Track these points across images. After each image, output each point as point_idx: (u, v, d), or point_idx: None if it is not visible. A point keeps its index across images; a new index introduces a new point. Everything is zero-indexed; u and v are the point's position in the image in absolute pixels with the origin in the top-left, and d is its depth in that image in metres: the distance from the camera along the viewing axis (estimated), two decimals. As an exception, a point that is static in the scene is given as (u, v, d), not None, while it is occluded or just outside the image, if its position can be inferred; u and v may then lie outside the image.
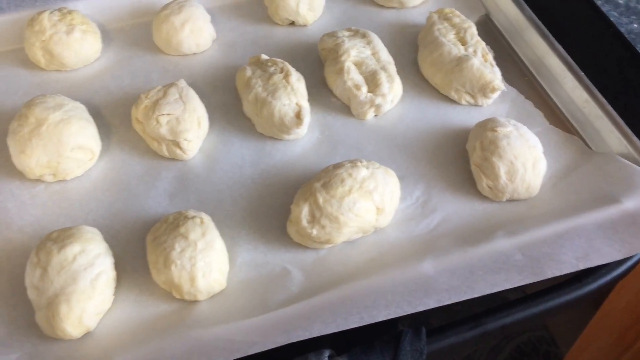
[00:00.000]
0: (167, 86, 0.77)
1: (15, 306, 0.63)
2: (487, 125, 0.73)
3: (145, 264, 0.66)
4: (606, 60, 0.85)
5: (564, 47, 0.83)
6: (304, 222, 0.66)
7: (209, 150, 0.77)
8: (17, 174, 0.73)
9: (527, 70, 0.86)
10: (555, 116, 0.81)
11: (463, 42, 0.83)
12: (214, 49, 0.88)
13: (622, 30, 0.89)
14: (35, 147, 0.70)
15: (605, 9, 0.94)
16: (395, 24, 0.92)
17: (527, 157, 0.70)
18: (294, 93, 0.77)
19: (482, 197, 0.72)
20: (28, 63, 0.85)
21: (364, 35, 0.83)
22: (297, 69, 0.81)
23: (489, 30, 0.91)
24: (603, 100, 0.77)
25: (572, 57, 0.82)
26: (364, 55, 0.81)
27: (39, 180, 0.73)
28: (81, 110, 0.75)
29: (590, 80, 0.79)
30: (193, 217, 0.66)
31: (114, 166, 0.75)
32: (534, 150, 0.71)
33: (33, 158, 0.70)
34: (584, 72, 0.80)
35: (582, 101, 0.78)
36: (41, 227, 0.69)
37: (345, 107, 0.81)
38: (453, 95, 0.81)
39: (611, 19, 0.90)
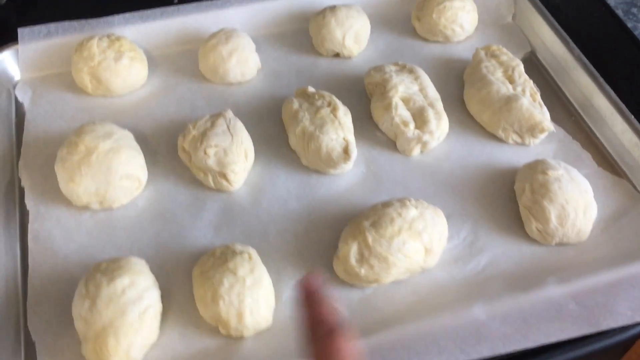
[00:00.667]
0: (215, 116, 0.77)
1: (62, 336, 0.63)
2: (538, 168, 0.72)
3: (190, 297, 0.65)
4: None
5: (611, 86, 0.83)
6: (353, 261, 0.65)
7: (255, 182, 0.76)
8: (64, 201, 0.73)
9: (574, 110, 0.85)
10: (604, 158, 0.80)
11: (511, 80, 0.82)
12: (259, 79, 0.89)
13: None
14: (84, 175, 0.70)
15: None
16: (439, 58, 0.92)
17: (578, 202, 0.69)
18: (341, 127, 0.76)
19: (530, 239, 0.71)
20: (74, 87, 0.86)
21: (411, 71, 0.83)
22: (343, 102, 0.81)
23: (535, 68, 0.91)
24: (654, 144, 0.76)
25: (620, 98, 0.81)
26: (411, 91, 0.81)
27: (85, 208, 0.73)
28: (129, 138, 0.75)
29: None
30: (241, 252, 0.65)
31: (159, 195, 0.75)
32: (586, 195, 0.70)
33: (81, 186, 0.70)
34: (633, 115, 0.79)
35: (632, 145, 0.77)
36: (87, 255, 0.69)
37: (391, 142, 0.81)
38: (500, 134, 0.80)
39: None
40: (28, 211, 0.73)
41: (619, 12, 1.01)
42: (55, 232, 0.71)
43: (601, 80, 0.83)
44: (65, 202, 0.73)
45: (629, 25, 0.98)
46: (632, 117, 0.78)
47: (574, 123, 0.84)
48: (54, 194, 0.74)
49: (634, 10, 1.02)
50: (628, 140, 0.78)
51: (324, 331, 0.42)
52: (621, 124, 0.79)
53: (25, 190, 0.74)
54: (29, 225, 0.71)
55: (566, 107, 0.86)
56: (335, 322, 0.43)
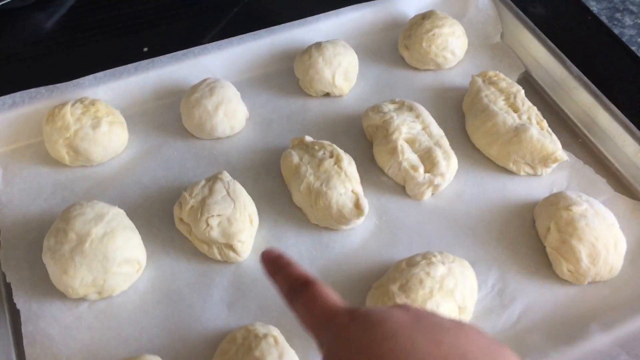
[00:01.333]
0: (211, 181, 0.71)
1: None
2: (560, 204, 0.69)
3: (214, 390, 0.60)
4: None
5: (610, 99, 0.80)
6: (386, 332, 0.61)
7: (263, 248, 0.70)
8: (57, 294, 0.66)
9: (579, 131, 0.83)
10: (618, 181, 0.77)
11: (514, 108, 0.79)
12: (249, 129, 0.83)
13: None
14: (79, 266, 0.64)
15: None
16: (433, 88, 0.88)
17: (607, 238, 0.66)
18: (348, 179, 0.72)
19: (561, 280, 0.68)
20: (49, 159, 0.79)
21: (411, 108, 0.79)
22: (341, 146, 0.76)
23: (532, 88, 0.88)
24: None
25: (621, 111, 0.79)
26: (415, 131, 0.76)
27: (81, 299, 0.66)
28: (122, 216, 0.69)
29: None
30: (265, 336, 0.60)
31: (161, 274, 0.69)
32: (613, 228, 0.68)
33: (77, 279, 0.64)
34: (637, 129, 0.77)
35: (647, 165, 0.75)
36: (92, 354, 0.63)
37: (399, 187, 0.76)
38: (511, 167, 0.77)
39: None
40: (18, 310, 0.66)
41: (604, 19, 0.99)
42: (52, 332, 0.64)
43: (604, 98, 0.80)
44: (59, 294, 0.66)
45: (616, 31, 0.96)
46: (643, 136, 0.76)
47: (582, 145, 0.81)
48: (45, 287, 0.67)
49: (618, 15, 1.00)
50: (642, 160, 0.76)
51: (300, 286, 0.45)
52: (632, 144, 0.76)
53: (12, 287, 0.67)
54: (23, 328, 0.64)
55: (570, 128, 0.83)
56: (306, 275, 0.46)
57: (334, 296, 0.44)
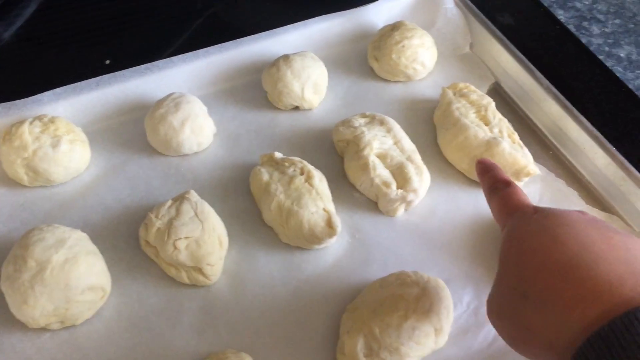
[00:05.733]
0: (178, 201, 0.69)
1: None
2: (533, 219, 0.68)
3: (184, 421, 0.58)
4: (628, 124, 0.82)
5: (579, 110, 0.80)
6: (361, 357, 0.59)
7: (233, 270, 0.69)
8: (17, 324, 0.63)
9: (550, 143, 0.82)
10: (589, 194, 0.77)
11: (485, 121, 0.78)
12: (216, 145, 0.81)
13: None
14: (39, 296, 0.60)
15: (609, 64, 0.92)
16: (403, 100, 0.87)
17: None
18: (319, 197, 0.70)
19: (536, 296, 0.67)
20: (6, 179, 0.75)
21: (382, 122, 0.78)
22: (311, 161, 0.75)
23: (502, 99, 0.87)
24: (640, 176, 0.74)
25: (590, 122, 0.79)
26: (386, 146, 0.75)
27: (43, 329, 0.63)
28: (84, 240, 0.66)
29: (613, 145, 0.76)
30: (236, 364, 0.58)
31: (127, 301, 0.66)
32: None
33: (37, 309, 0.60)
34: (607, 140, 0.77)
35: (618, 178, 0.75)
36: (55, 388, 0.60)
37: (371, 203, 0.75)
38: (484, 181, 0.76)
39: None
40: (-25, 343, 0.62)
41: (571, 28, 0.99)
42: (12, 366, 0.61)
43: (574, 110, 0.80)
44: (19, 325, 0.63)
45: (584, 40, 0.96)
46: (614, 149, 0.76)
47: (553, 158, 0.81)
48: (4, 317, 0.63)
49: (585, 24, 1.01)
50: (612, 173, 0.75)
51: (502, 184, 0.56)
52: (603, 157, 0.76)
53: (-32, 318, 0.64)
54: (-20, 362, 0.61)
55: (541, 140, 0.83)
56: (509, 179, 0.57)
57: (527, 198, 0.55)
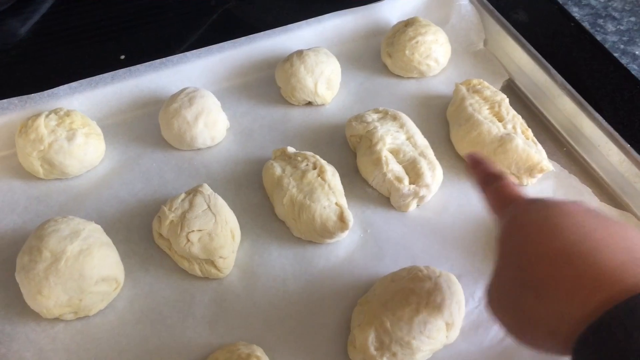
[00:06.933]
0: (192, 194, 0.69)
1: None
2: (546, 215, 0.68)
3: (195, 412, 0.58)
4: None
5: (594, 107, 0.79)
6: (372, 350, 0.59)
7: (245, 264, 0.69)
8: (31, 314, 0.63)
9: (564, 140, 0.82)
10: (603, 190, 0.77)
11: (499, 117, 0.78)
12: (229, 139, 0.81)
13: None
14: (53, 286, 0.61)
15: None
16: (417, 96, 0.87)
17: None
18: (332, 192, 0.70)
19: (548, 293, 0.67)
20: (22, 172, 0.76)
21: (394, 118, 0.78)
22: (324, 156, 0.75)
23: (516, 96, 0.87)
24: (654, 173, 0.73)
25: (605, 119, 0.78)
26: (399, 141, 0.75)
27: (57, 319, 0.64)
28: (99, 232, 0.67)
29: (628, 142, 0.76)
30: (248, 356, 0.58)
31: (140, 292, 0.67)
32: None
33: (51, 299, 0.61)
34: (621, 138, 0.76)
35: (632, 175, 0.74)
36: (68, 378, 0.61)
37: (383, 198, 0.75)
38: (497, 177, 0.75)
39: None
40: (-9, 331, 0.63)
41: (586, 25, 0.98)
42: (27, 355, 0.62)
43: (588, 107, 0.79)
44: (33, 315, 0.64)
45: (598, 38, 0.95)
46: (628, 145, 0.75)
47: (567, 154, 0.80)
48: (19, 307, 0.64)
49: (600, 21, 1.00)
50: (627, 170, 0.75)
51: (494, 178, 0.56)
52: (618, 154, 0.76)
53: (-16, 307, 0.65)
54: (-5, 351, 0.62)
55: (555, 137, 0.83)
56: (500, 173, 0.56)
57: (520, 189, 0.55)
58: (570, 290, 0.41)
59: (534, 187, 0.76)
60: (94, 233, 0.66)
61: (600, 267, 0.41)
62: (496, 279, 0.49)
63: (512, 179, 0.75)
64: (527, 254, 0.45)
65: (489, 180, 0.56)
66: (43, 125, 0.73)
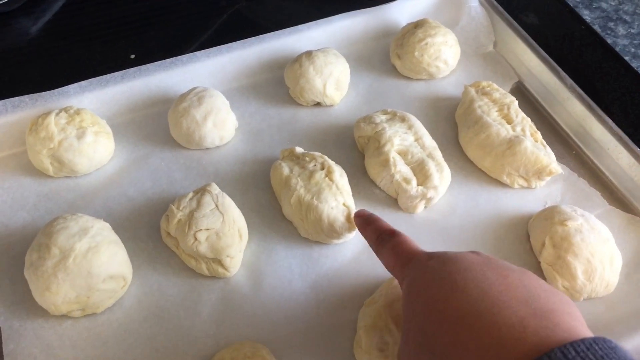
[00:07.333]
0: (199, 194, 0.70)
1: None
2: (555, 218, 0.68)
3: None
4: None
5: (603, 110, 0.79)
6: (378, 351, 0.59)
7: (252, 263, 0.69)
8: (39, 310, 0.64)
9: (573, 143, 0.82)
10: (612, 194, 0.76)
11: (508, 119, 0.78)
12: (238, 139, 0.81)
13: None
14: (61, 283, 0.61)
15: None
16: (425, 98, 0.87)
17: (603, 254, 0.65)
18: (339, 192, 0.70)
19: (556, 296, 0.67)
20: (32, 169, 0.76)
21: (403, 119, 0.77)
22: (332, 157, 0.75)
23: (525, 99, 0.87)
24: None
25: (615, 122, 0.78)
26: (407, 142, 0.75)
27: (64, 316, 0.64)
28: (107, 230, 0.67)
29: (638, 146, 0.75)
30: (253, 356, 0.58)
31: (147, 290, 0.67)
32: (609, 243, 0.66)
33: (59, 295, 0.62)
34: (631, 141, 0.76)
35: (643, 179, 0.74)
36: (76, 375, 0.61)
37: (391, 199, 0.75)
38: (505, 179, 0.75)
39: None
40: (-1, 328, 0.64)
41: (597, 28, 0.98)
42: (35, 351, 0.62)
43: (598, 110, 0.79)
44: (41, 311, 0.64)
45: (609, 41, 0.95)
46: (638, 149, 0.75)
47: (576, 157, 0.80)
48: (27, 304, 0.64)
49: (611, 24, 1.00)
50: (636, 173, 0.75)
51: (387, 235, 0.54)
52: (627, 157, 0.75)
53: (-7, 304, 0.65)
54: (4, 347, 0.62)
55: (564, 140, 0.82)
56: (392, 228, 0.55)
57: (417, 245, 0.54)
58: (475, 354, 0.40)
59: (542, 190, 0.76)
60: (102, 231, 0.66)
61: (501, 326, 0.40)
62: (404, 345, 0.47)
63: (520, 182, 0.75)
64: (430, 318, 0.44)
65: (383, 239, 0.54)
66: (53, 123, 0.74)
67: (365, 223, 0.58)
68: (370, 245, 0.56)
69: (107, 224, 0.68)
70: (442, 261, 0.47)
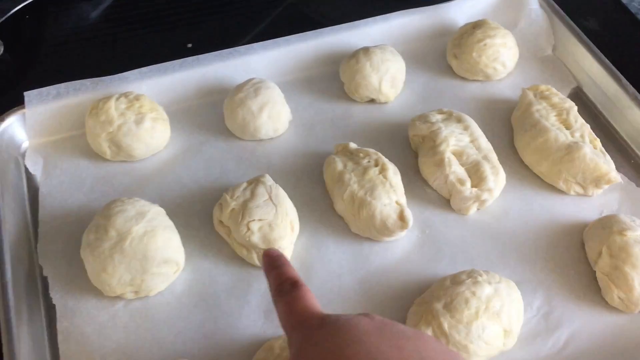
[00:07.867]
0: (253, 184, 0.70)
1: None
2: (613, 228, 0.66)
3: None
4: None
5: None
6: (428, 351, 0.59)
7: (302, 256, 0.69)
8: (93, 290, 0.65)
9: (631, 151, 0.80)
10: (672, 206, 0.74)
11: (567, 125, 0.76)
12: (291, 132, 0.81)
13: None
14: (117, 264, 0.63)
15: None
16: (481, 99, 0.86)
17: (662, 266, 0.64)
18: (393, 190, 0.70)
19: (610, 307, 0.65)
20: (90, 152, 0.78)
21: (459, 120, 0.77)
22: (384, 154, 0.74)
23: (583, 105, 0.85)
24: None
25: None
26: (463, 143, 0.74)
27: (117, 298, 0.65)
28: (162, 216, 0.68)
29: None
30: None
31: (199, 277, 0.68)
32: (668, 256, 0.65)
33: (115, 277, 0.63)
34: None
35: None
36: (126, 355, 0.62)
37: (443, 199, 0.74)
38: (561, 185, 0.74)
39: None
40: (54, 305, 0.65)
41: (659, 36, 0.96)
42: (87, 330, 0.63)
43: (661, 120, 0.77)
44: (95, 291, 0.65)
45: (672, 49, 0.93)
46: (702, 162, 0.73)
47: (635, 167, 0.78)
48: (81, 283, 0.66)
49: (673, 32, 0.97)
50: (698, 186, 0.73)
51: (288, 286, 0.48)
52: (689, 169, 0.73)
53: (49, 281, 0.66)
54: (58, 324, 0.63)
55: (623, 148, 0.81)
56: (296, 278, 0.49)
57: (315, 302, 0.48)
58: None
59: (598, 198, 0.75)
60: (158, 216, 0.67)
61: None
62: None
63: (577, 189, 0.74)
64: None
65: (282, 290, 0.49)
66: (113, 108, 0.75)
67: (271, 266, 0.51)
68: (270, 292, 0.51)
69: (162, 209, 0.69)
70: (332, 332, 0.43)
